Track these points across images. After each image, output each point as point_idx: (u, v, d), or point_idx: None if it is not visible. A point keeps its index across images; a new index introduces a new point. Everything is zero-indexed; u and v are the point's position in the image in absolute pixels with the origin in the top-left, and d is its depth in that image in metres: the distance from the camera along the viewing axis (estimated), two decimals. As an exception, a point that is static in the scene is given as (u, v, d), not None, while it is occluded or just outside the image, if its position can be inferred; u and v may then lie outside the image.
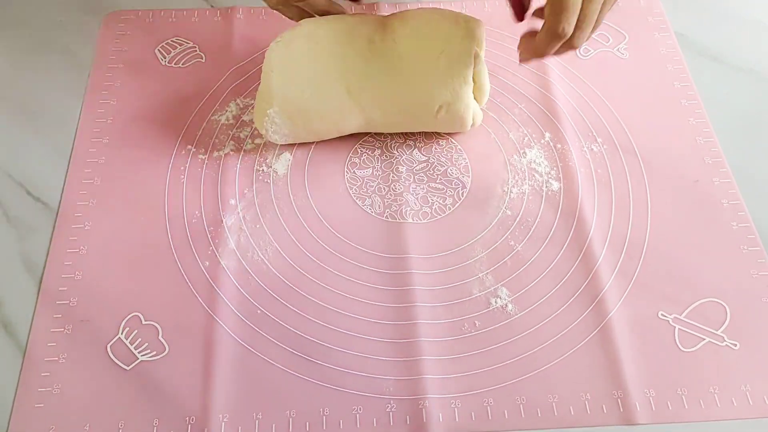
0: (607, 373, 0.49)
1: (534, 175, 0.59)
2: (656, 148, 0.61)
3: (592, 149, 0.61)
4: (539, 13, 0.51)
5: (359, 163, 0.60)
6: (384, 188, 0.59)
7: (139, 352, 0.50)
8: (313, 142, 0.61)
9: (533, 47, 0.49)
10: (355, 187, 0.59)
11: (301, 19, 0.58)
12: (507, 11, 0.53)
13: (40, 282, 0.53)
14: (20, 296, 0.52)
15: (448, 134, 0.61)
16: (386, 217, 0.57)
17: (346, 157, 0.60)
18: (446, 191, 0.58)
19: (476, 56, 0.55)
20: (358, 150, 0.61)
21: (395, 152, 0.61)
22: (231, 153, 0.60)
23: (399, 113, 0.57)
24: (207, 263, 0.54)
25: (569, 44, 0.48)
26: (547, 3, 0.46)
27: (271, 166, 0.59)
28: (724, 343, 0.51)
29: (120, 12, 0.69)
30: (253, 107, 0.63)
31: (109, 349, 0.50)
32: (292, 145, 0.61)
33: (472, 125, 0.59)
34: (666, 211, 0.57)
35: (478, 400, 0.48)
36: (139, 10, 0.70)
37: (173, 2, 0.70)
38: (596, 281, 0.53)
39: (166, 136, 0.61)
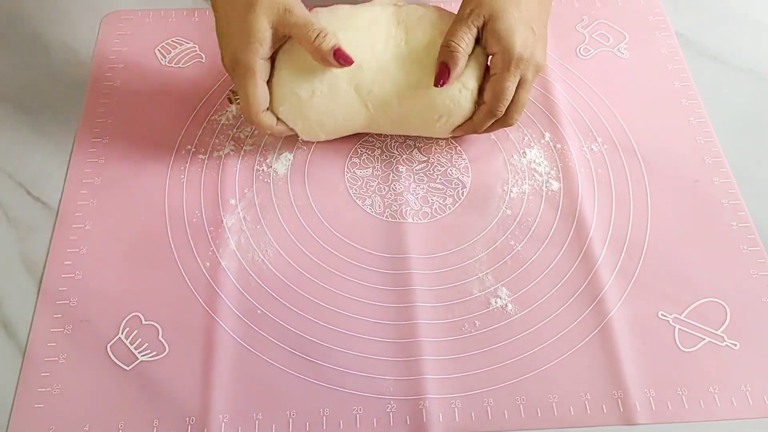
0: (607, 373, 0.49)
1: (534, 175, 0.59)
2: (656, 148, 0.61)
3: (592, 149, 0.61)
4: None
5: (359, 163, 0.60)
6: (384, 188, 0.59)
7: (139, 353, 0.50)
8: (313, 143, 0.61)
9: (470, 125, 0.56)
10: (355, 187, 0.59)
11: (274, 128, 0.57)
12: None
13: (40, 282, 0.53)
14: (20, 296, 0.52)
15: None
16: (386, 216, 0.57)
17: (346, 157, 0.60)
18: (446, 191, 0.58)
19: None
20: (359, 150, 0.61)
21: (395, 152, 0.61)
22: (231, 153, 0.60)
23: (401, 118, 0.57)
24: (207, 264, 0.54)
25: (504, 122, 0.56)
26: (488, 90, 0.54)
27: (271, 166, 0.59)
28: (724, 343, 0.51)
29: (120, 12, 0.69)
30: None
31: (109, 349, 0.50)
32: (293, 145, 0.61)
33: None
34: (666, 211, 0.57)
35: (478, 400, 0.48)
36: (139, 10, 0.70)
37: (173, 2, 0.70)
38: (596, 281, 0.53)
39: (166, 136, 0.61)
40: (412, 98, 0.55)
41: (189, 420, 0.47)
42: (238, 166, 0.60)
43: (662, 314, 0.52)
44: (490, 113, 0.55)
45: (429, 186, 0.59)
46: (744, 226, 0.56)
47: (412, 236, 0.56)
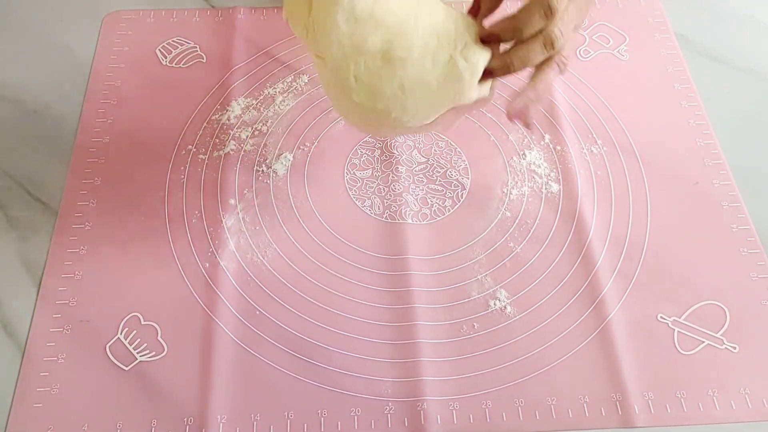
0: (606, 375, 0.49)
1: (533, 177, 0.59)
2: (656, 150, 0.61)
3: (592, 151, 0.61)
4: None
5: (359, 164, 0.60)
6: (383, 189, 0.59)
7: (138, 353, 0.50)
8: (313, 143, 0.61)
9: (511, 22, 0.45)
10: (354, 188, 0.59)
11: None
12: (509, 11, 0.50)
13: (40, 282, 0.53)
14: (20, 296, 0.53)
15: (448, 135, 0.61)
16: (385, 218, 0.57)
17: (345, 157, 0.60)
18: (446, 192, 0.58)
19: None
20: (358, 151, 0.61)
21: (395, 153, 0.61)
22: (231, 153, 0.60)
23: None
24: (207, 264, 0.54)
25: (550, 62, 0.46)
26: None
27: (270, 167, 0.59)
28: (724, 346, 0.51)
29: (120, 12, 0.69)
30: (253, 107, 0.63)
31: (108, 349, 0.50)
32: (292, 145, 0.61)
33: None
34: (666, 213, 0.57)
35: (477, 402, 0.48)
36: (140, 10, 0.70)
37: (174, 2, 0.70)
38: (595, 283, 0.53)
39: (166, 136, 0.61)
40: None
41: (187, 420, 0.47)
42: (238, 166, 0.60)
43: (661, 317, 0.52)
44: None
45: (428, 187, 0.59)
46: (744, 228, 0.56)
47: (412, 237, 0.56)
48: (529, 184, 0.59)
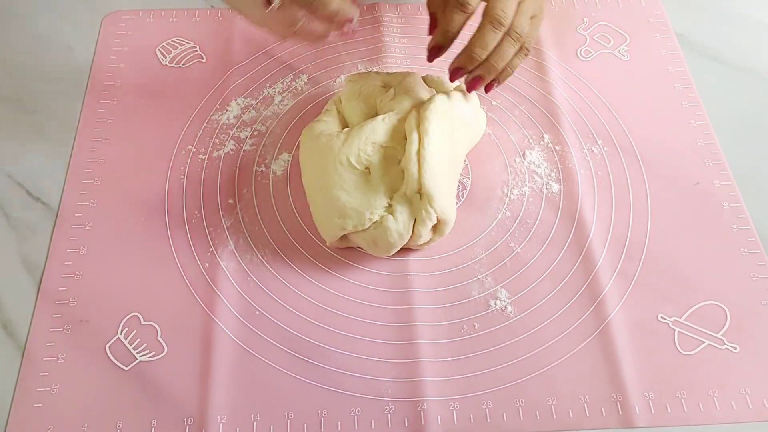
0: (607, 375, 0.49)
1: (534, 177, 0.59)
2: (657, 150, 0.61)
3: (593, 151, 0.61)
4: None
5: (359, 164, 0.60)
6: (384, 189, 0.58)
7: (138, 353, 0.50)
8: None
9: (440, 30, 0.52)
10: (354, 188, 0.58)
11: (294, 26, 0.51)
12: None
13: (40, 282, 0.53)
14: (20, 296, 0.52)
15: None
16: (386, 218, 0.57)
17: (346, 157, 0.60)
18: (446, 192, 0.58)
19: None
20: (358, 151, 0.61)
21: (395, 153, 0.60)
22: (231, 153, 0.60)
23: None
24: (206, 264, 0.54)
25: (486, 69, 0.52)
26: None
27: (269, 167, 0.59)
28: (724, 346, 0.51)
29: (120, 12, 0.69)
30: (253, 107, 0.63)
31: (108, 349, 0.50)
32: (291, 145, 0.61)
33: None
34: (666, 213, 0.57)
35: (477, 402, 0.48)
36: (140, 10, 0.70)
37: (173, 2, 0.70)
38: (596, 283, 0.53)
39: (166, 136, 0.61)
40: None
41: (187, 420, 0.47)
42: (237, 166, 0.60)
43: (662, 317, 0.52)
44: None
45: (429, 187, 0.58)
46: (744, 228, 0.56)
47: (412, 237, 0.56)
48: (530, 184, 0.59)
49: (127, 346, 0.50)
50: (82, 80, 0.64)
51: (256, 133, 0.62)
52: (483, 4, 0.52)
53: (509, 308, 0.52)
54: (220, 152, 0.60)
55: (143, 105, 0.63)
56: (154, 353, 0.50)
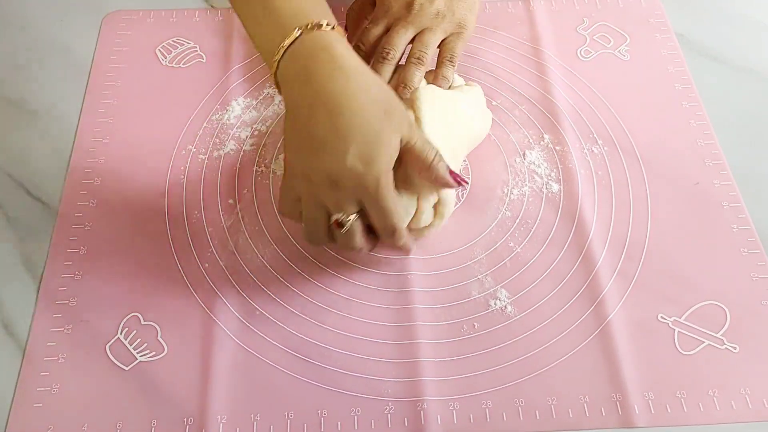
0: (606, 375, 0.49)
1: (534, 177, 0.59)
2: (657, 150, 0.61)
3: (593, 151, 0.61)
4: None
5: (359, 164, 0.60)
6: (384, 189, 0.58)
7: (138, 353, 0.50)
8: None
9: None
10: (354, 188, 0.58)
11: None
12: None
13: (40, 282, 0.53)
14: (20, 296, 0.52)
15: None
16: (386, 218, 0.57)
17: (346, 157, 0.60)
18: (446, 192, 0.58)
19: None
20: (358, 151, 0.61)
21: (395, 153, 0.60)
22: (231, 153, 0.60)
23: None
24: (206, 264, 0.54)
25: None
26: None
27: (269, 167, 0.59)
28: (724, 346, 0.51)
29: (120, 12, 0.69)
30: (253, 107, 0.63)
31: (108, 349, 0.50)
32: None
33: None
34: (666, 213, 0.57)
35: (477, 402, 0.48)
36: (140, 11, 0.70)
37: (173, 2, 0.70)
38: (596, 283, 0.53)
39: (166, 136, 0.61)
40: None
41: (187, 420, 0.47)
42: (238, 166, 0.60)
43: (662, 317, 0.52)
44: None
45: (429, 187, 0.58)
46: (744, 228, 0.56)
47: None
48: (530, 184, 0.59)
49: (127, 346, 0.50)
50: (82, 80, 0.64)
51: (256, 133, 0.62)
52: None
53: (509, 308, 0.52)
54: (220, 152, 0.60)
55: (143, 105, 0.63)
56: (154, 353, 0.50)
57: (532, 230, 0.56)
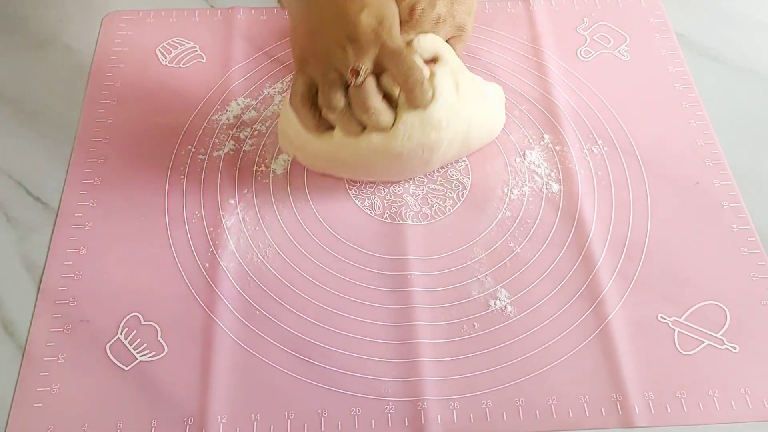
0: (606, 375, 0.49)
1: (534, 177, 0.59)
2: (657, 150, 0.61)
3: (593, 151, 0.61)
4: None
5: (359, 164, 0.60)
6: (384, 189, 0.58)
7: (138, 353, 0.50)
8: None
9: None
10: (354, 188, 0.59)
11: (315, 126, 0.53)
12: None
13: (40, 282, 0.53)
14: (20, 296, 0.52)
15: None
16: (386, 218, 0.57)
17: (346, 157, 0.60)
18: (446, 192, 0.58)
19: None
20: (358, 151, 0.61)
21: (395, 153, 0.60)
22: (231, 153, 0.60)
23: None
24: (207, 264, 0.54)
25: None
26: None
27: (269, 167, 0.59)
28: (724, 346, 0.51)
29: (120, 12, 0.69)
30: (253, 107, 0.63)
31: (108, 349, 0.50)
32: (292, 145, 0.61)
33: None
34: (666, 213, 0.57)
35: (477, 401, 0.48)
36: (140, 11, 0.70)
37: (173, 2, 0.70)
38: (596, 283, 0.53)
39: (166, 137, 0.61)
40: None
41: (187, 420, 0.47)
42: (238, 166, 0.60)
43: (662, 317, 0.52)
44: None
45: (429, 187, 0.59)
46: (744, 228, 0.56)
47: (412, 238, 0.56)
48: (530, 184, 0.59)
49: (127, 346, 0.50)
50: (82, 80, 0.64)
51: (256, 133, 0.62)
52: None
53: (509, 308, 0.52)
54: (220, 152, 0.60)
55: (143, 105, 0.63)
56: (154, 353, 0.50)
57: (532, 230, 0.56)
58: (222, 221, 0.56)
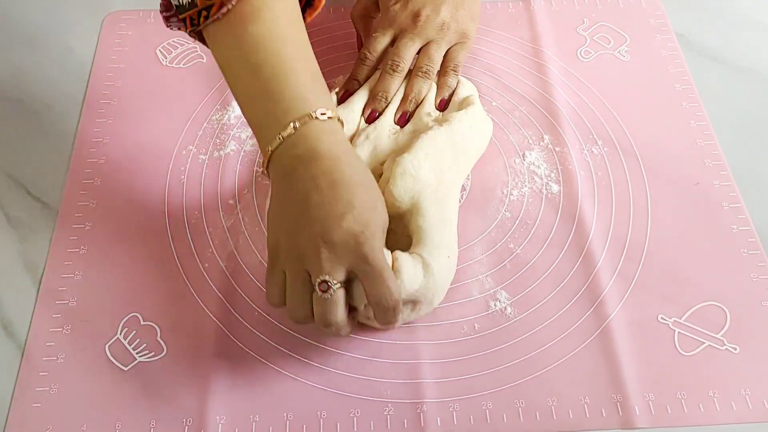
0: (607, 376, 0.49)
1: (534, 178, 0.59)
2: (657, 151, 0.60)
3: (593, 152, 0.61)
4: None
5: (359, 164, 0.60)
6: (384, 190, 0.58)
7: (137, 353, 0.50)
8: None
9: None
10: (354, 189, 0.58)
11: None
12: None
13: (40, 282, 0.53)
14: (20, 296, 0.52)
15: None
16: (386, 218, 0.57)
17: (346, 158, 0.60)
18: (446, 193, 0.58)
19: None
20: (358, 151, 0.61)
21: (395, 153, 0.60)
22: (231, 153, 0.60)
23: None
24: (206, 264, 0.54)
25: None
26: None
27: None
28: (724, 347, 0.51)
29: (121, 12, 0.69)
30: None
31: (107, 349, 0.50)
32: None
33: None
34: (666, 214, 0.57)
35: (477, 403, 0.48)
36: (140, 10, 0.70)
37: (174, 2, 0.70)
38: (596, 284, 0.53)
39: (166, 136, 0.61)
40: None
41: (186, 421, 0.47)
42: (238, 166, 0.60)
43: (662, 317, 0.52)
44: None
45: (429, 188, 0.58)
46: (744, 229, 0.56)
47: (412, 238, 0.55)
48: (530, 185, 0.59)
49: (127, 346, 0.50)
50: (82, 80, 0.64)
51: (256, 133, 0.61)
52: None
53: (509, 309, 0.52)
54: (221, 152, 0.60)
55: (143, 105, 0.63)
56: (153, 353, 0.50)
57: (532, 231, 0.56)
58: (222, 221, 0.56)
